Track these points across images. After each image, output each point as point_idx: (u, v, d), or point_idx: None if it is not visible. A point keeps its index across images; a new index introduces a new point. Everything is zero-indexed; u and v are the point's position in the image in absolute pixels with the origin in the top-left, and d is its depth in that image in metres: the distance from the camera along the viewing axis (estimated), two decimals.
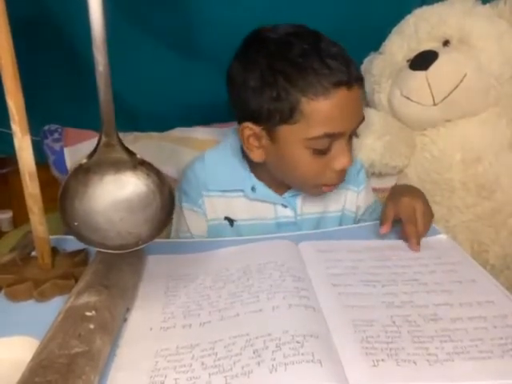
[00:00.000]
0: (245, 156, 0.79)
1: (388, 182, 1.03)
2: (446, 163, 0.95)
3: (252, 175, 0.79)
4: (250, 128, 0.70)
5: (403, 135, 0.96)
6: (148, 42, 0.93)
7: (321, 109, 0.65)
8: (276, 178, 0.77)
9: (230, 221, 0.80)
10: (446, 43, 0.94)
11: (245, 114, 0.70)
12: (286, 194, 0.80)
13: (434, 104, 0.90)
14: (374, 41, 1.05)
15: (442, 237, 0.69)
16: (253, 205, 0.80)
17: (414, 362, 0.44)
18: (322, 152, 0.68)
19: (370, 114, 0.98)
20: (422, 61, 0.91)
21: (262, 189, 0.79)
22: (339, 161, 0.69)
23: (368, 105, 1.05)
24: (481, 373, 0.43)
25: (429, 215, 0.72)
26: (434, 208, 0.96)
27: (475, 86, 0.90)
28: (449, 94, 0.89)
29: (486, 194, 0.93)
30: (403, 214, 0.69)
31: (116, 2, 0.82)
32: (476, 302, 0.53)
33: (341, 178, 0.73)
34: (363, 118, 0.71)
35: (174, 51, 0.95)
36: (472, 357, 0.44)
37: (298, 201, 0.80)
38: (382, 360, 0.44)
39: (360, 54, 1.08)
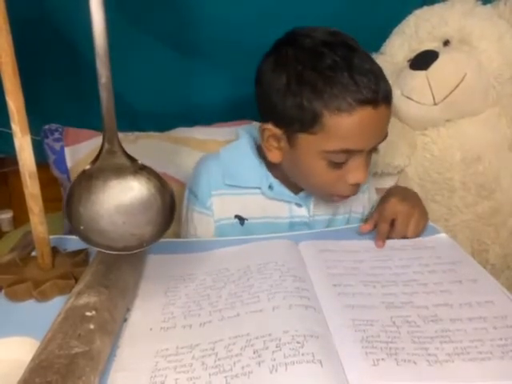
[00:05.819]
0: (261, 155, 0.79)
1: (389, 182, 1.03)
2: (446, 163, 0.95)
3: (269, 174, 0.78)
4: (270, 129, 0.70)
5: (404, 135, 0.96)
6: (148, 41, 0.93)
7: (342, 124, 0.64)
8: (291, 179, 0.77)
9: (241, 219, 0.79)
10: (446, 43, 0.94)
11: (268, 113, 0.70)
12: (302, 193, 0.79)
13: (435, 104, 0.91)
14: (375, 41, 1.05)
15: (443, 236, 0.69)
16: (268, 203, 0.79)
17: (414, 362, 0.44)
18: (337, 165, 0.68)
19: None
20: (423, 61, 0.91)
21: (279, 187, 0.78)
22: (354, 176, 0.68)
23: None
24: (481, 374, 0.43)
25: (414, 216, 0.71)
26: (434, 207, 0.97)
27: (475, 85, 0.90)
28: (449, 94, 0.89)
29: (486, 193, 0.93)
30: (383, 213, 0.71)
31: (116, 2, 0.82)
32: (476, 302, 0.53)
33: (354, 192, 0.72)
34: (386, 135, 0.69)
35: (175, 51, 0.95)
36: (472, 357, 0.44)
37: (312, 201, 0.80)
38: (382, 359, 0.44)
39: None
